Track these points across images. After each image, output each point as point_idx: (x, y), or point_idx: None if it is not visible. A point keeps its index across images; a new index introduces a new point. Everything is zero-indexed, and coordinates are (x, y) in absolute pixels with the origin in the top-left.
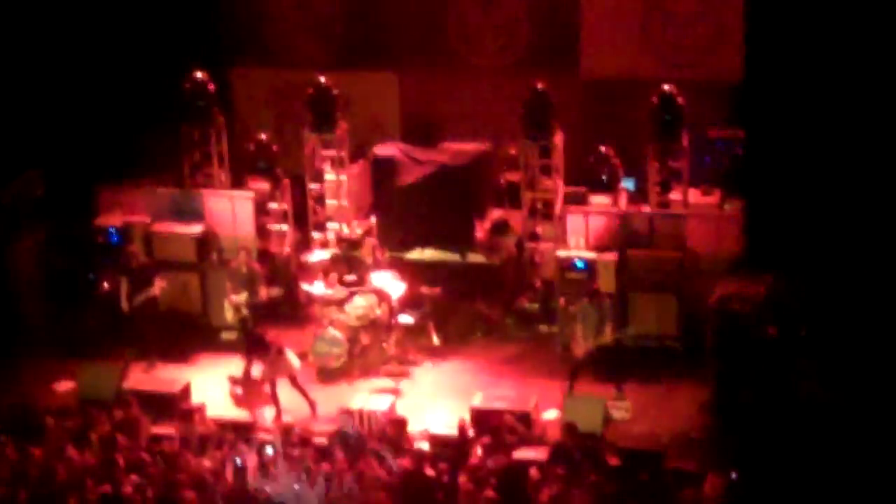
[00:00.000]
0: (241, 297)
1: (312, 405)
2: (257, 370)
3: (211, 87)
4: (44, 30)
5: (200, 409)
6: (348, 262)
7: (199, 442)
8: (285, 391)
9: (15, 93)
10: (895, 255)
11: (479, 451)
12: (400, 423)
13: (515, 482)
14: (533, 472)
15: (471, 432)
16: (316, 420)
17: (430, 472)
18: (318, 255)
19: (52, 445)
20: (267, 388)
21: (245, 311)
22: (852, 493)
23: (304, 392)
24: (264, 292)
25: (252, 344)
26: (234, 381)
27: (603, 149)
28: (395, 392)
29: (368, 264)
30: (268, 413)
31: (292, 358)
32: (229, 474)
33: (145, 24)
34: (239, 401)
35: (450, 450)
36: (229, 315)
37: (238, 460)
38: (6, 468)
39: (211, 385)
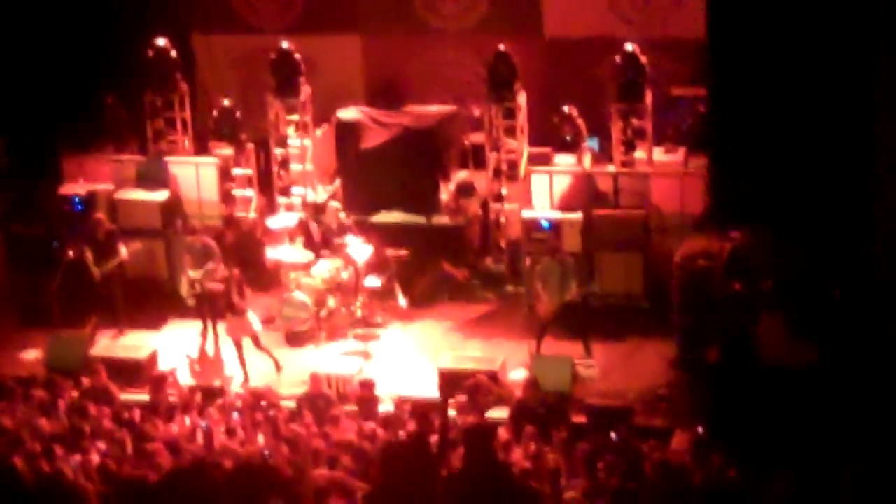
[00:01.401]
0: (197, 274)
1: (277, 364)
2: (210, 347)
3: (173, 53)
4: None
5: (170, 374)
6: (314, 226)
7: (168, 408)
8: (250, 354)
9: None
10: (859, 209)
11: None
12: (368, 386)
13: (485, 442)
14: (502, 431)
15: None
16: (279, 379)
17: (400, 434)
18: (282, 220)
19: (19, 414)
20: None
21: (198, 288)
22: (819, 447)
23: (268, 351)
24: (222, 267)
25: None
26: (191, 360)
27: (566, 109)
28: (363, 355)
29: (333, 228)
30: (235, 378)
31: (253, 319)
32: (198, 439)
33: None
34: (199, 377)
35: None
36: (184, 290)
37: (205, 425)
38: None
39: (178, 351)
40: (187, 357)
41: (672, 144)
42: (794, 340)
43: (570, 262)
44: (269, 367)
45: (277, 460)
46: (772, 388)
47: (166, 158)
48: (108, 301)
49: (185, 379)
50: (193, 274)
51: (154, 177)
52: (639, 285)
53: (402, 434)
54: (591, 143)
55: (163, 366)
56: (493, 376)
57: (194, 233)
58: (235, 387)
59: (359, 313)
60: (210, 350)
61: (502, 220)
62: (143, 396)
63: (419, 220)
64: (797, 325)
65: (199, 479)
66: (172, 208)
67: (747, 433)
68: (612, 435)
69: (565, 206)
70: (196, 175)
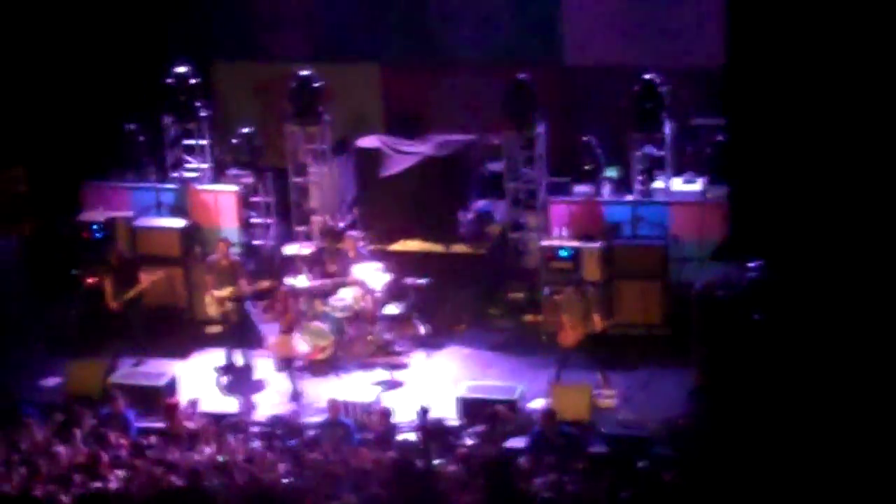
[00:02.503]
0: (225, 291)
1: (297, 392)
2: (239, 358)
3: (193, 80)
4: (25, 27)
5: (190, 403)
6: (332, 254)
7: (188, 436)
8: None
9: None
10: (879, 239)
11: (468, 440)
12: (380, 413)
13: (504, 471)
14: (523, 461)
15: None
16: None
17: (418, 462)
18: (299, 248)
19: (37, 441)
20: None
21: (229, 305)
22: (837, 472)
23: (296, 378)
24: (245, 284)
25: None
26: (221, 370)
27: (586, 138)
28: (382, 383)
29: (352, 256)
30: (257, 400)
31: (298, 341)
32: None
33: (127, 19)
34: (226, 389)
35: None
36: (212, 310)
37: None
38: None
39: (197, 378)
40: (215, 369)
41: (691, 174)
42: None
43: (591, 291)
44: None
45: (298, 487)
46: (792, 417)
47: (186, 186)
48: (127, 329)
49: (203, 406)
50: (219, 293)
51: (173, 204)
52: (658, 314)
53: (418, 462)
54: (611, 173)
55: (182, 394)
56: (512, 406)
57: (222, 249)
58: (270, 406)
59: (377, 341)
60: (233, 369)
61: (521, 248)
62: (161, 424)
63: (438, 248)
64: (817, 355)
65: None
66: (192, 236)
67: (768, 462)
68: (639, 464)
69: (584, 235)
70: (215, 202)
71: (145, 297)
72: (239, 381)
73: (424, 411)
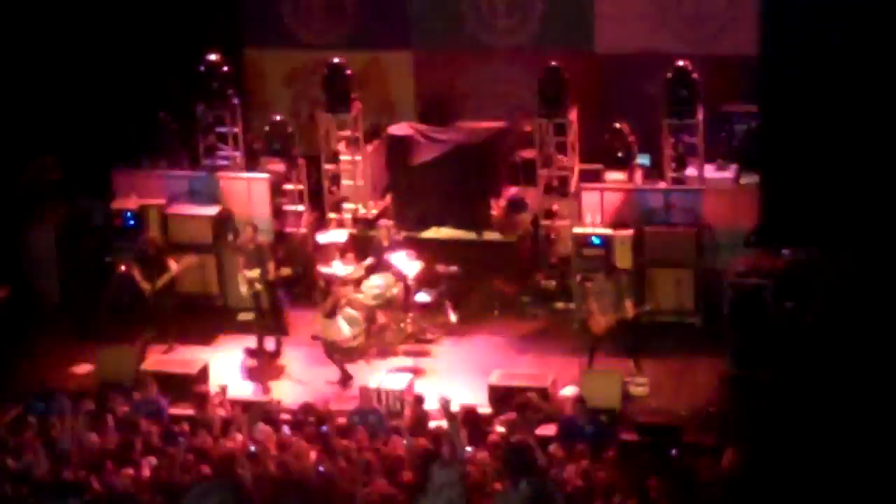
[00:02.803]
0: (254, 273)
1: (345, 377)
2: (270, 343)
3: (225, 68)
4: (58, 14)
5: (220, 390)
6: (364, 241)
7: (220, 423)
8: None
9: (29, 77)
10: None
11: (498, 428)
12: (418, 401)
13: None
14: (553, 448)
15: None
16: (342, 394)
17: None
18: (332, 236)
19: (69, 428)
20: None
21: (258, 286)
22: (869, 464)
23: (341, 363)
24: (272, 269)
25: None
26: (248, 352)
27: (618, 125)
28: (414, 371)
29: (384, 244)
30: (282, 387)
31: (343, 325)
32: (248, 454)
33: (159, 6)
34: (250, 374)
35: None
36: (244, 289)
37: (256, 442)
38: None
39: (228, 366)
40: (244, 350)
41: (724, 161)
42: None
43: (623, 279)
44: (321, 380)
45: (331, 474)
46: (824, 407)
47: (218, 174)
48: (158, 316)
49: (236, 393)
50: (250, 273)
51: (205, 192)
52: (690, 302)
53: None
54: (643, 160)
55: (213, 381)
56: (544, 393)
57: (249, 232)
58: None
59: (409, 329)
60: (269, 346)
61: (553, 236)
62: (192, 411)
63: (470, 235)
64: (850, 344)
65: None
66: (224, 223)
67: (798, 452)
68: (673, 452)
69: (616, 222)
70: (247, 190)
71: (176, 285)
72: (265, 366)
73: (446, 402)
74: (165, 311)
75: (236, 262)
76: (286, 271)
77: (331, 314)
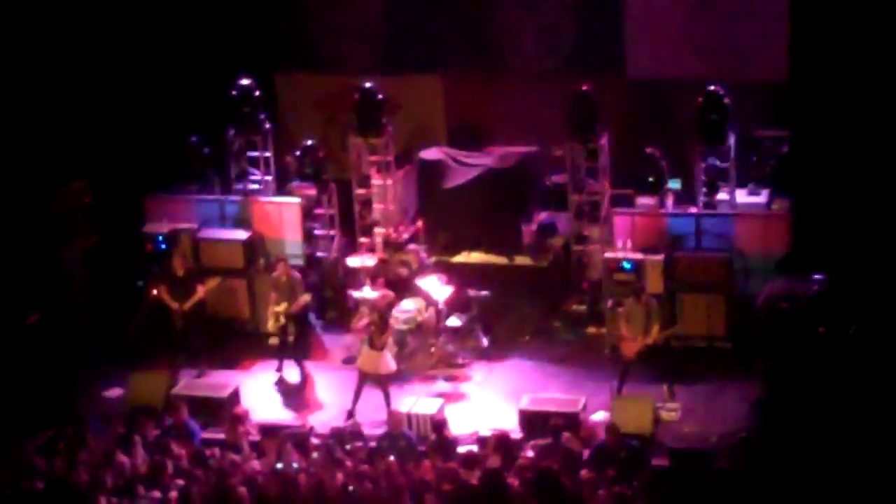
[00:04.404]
0: (281, 307)
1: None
2: (294, 374)
3: (257, 93)
4: (88, 42)
5: (246, 413)
6: (395, 266)
7: (249, 446)
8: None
9: (62, 103)
10: None
11: (529, 453)
12: (435, 423)
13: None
14: (585, 473)
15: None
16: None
17: (477, 475)
18: (364, 260)
19: (100, 451)
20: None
21: (283, 320)
22: None
23: (388, 395)
24: (303, 300)
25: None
26: (274, 384)
27: (649, 150)
28: (444, 395)
29: (415, 268)
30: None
31: (390, 359)
32: (278, 477)
33: (190, 32)
34: (281, 402)
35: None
36: (270, 324)
37: (283, 464)
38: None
39: (259, 390)
40: (274, 386)
41: (755, 186)
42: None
43: (654, 303)
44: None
45: (361, 496)
46: (856, 431)
47: (249, 198)
48: (188, 340)
49: (264, 417)
50: (277, 307)
51: (237, 216)
52: (721, 327)
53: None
54: (674, 185)
55: (244, 405)
56: (574, 418)
57: (282, 267)
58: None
59: (440, 353)
60: (292, 380)
61: (584, 261)
62: (224, 435)
63: (501, 260)
64: (882, 368)
65: None
66: (255, 247)
67: (831, 476)
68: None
69: (647, 247)
70: (279, 214)
71: (209, 308)
72: (293, 394)
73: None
74: (195, 334)
75: (268, 295)
76: (305, 298)
77: (380, 347)
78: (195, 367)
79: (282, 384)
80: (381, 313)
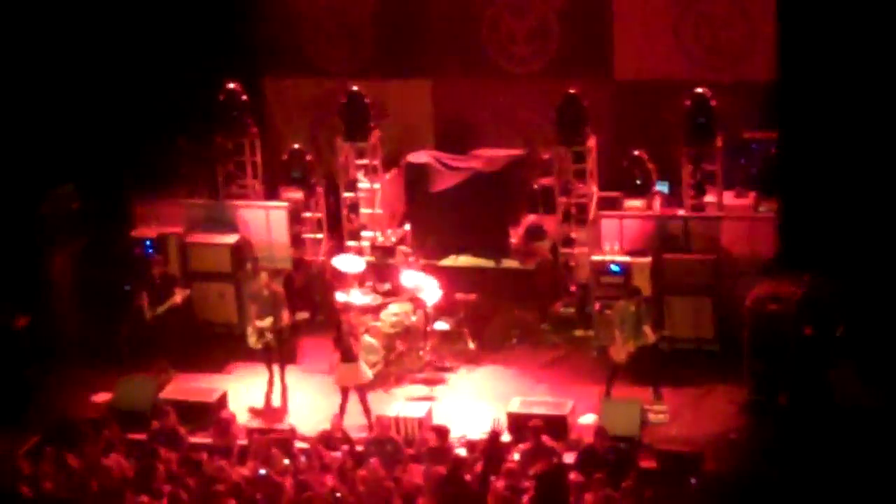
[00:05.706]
0: (266, 322)
1: (370, 424)
2: (277, 397)
3: (244, 97)
4: (75, 45)
5: (232, 418)
6: (383, 269)
7: (237, 450)
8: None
9: (48, 107)
10: None
11: (515, 456)
12: (437, 431)
13: (554, 487)
14: (573, 476)
15: (507, 437)
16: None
17: (467, 478)
18: (351, 264)
19: (88, 456)
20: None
21: (269, 336)
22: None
23: (367, 407)
24: (286, 316)
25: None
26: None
27: (636, 152)
28: (432, 398)
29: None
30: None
31: (365, 368)
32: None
33: (177, 36)
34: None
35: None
36: (252, 340)
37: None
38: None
39: (246, 394)
40: (249, 411)
41: (743, 188)
42: (866, 385)
43: (643, 307)
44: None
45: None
46: (844, 434)
47: (236, 202)
48: (171, 344)
49: (254, 422)
50: (261, 323)
51: (224, 220)
52: (709, 329)
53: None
54: (662, 187)
55: (231, 409)
56: (562, 421)
57: (264, 279)
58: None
59: (427, 357)
60: (276, 400)
61: (572, 263)
62: (211, 439)
63: (488, 263)
64: (870, 370)
65: None
66: (243, 251)
67: (819, 478)
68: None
69: (635, 249)
70: (266, 218)
71: (184, 313)
72: (274, 399)
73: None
74: (169, 339)
75: (249, 310)
76: (303, 315)
77: (352, 359)
78: (177, 372)
79: (267, 394)
80: (349, 323)
